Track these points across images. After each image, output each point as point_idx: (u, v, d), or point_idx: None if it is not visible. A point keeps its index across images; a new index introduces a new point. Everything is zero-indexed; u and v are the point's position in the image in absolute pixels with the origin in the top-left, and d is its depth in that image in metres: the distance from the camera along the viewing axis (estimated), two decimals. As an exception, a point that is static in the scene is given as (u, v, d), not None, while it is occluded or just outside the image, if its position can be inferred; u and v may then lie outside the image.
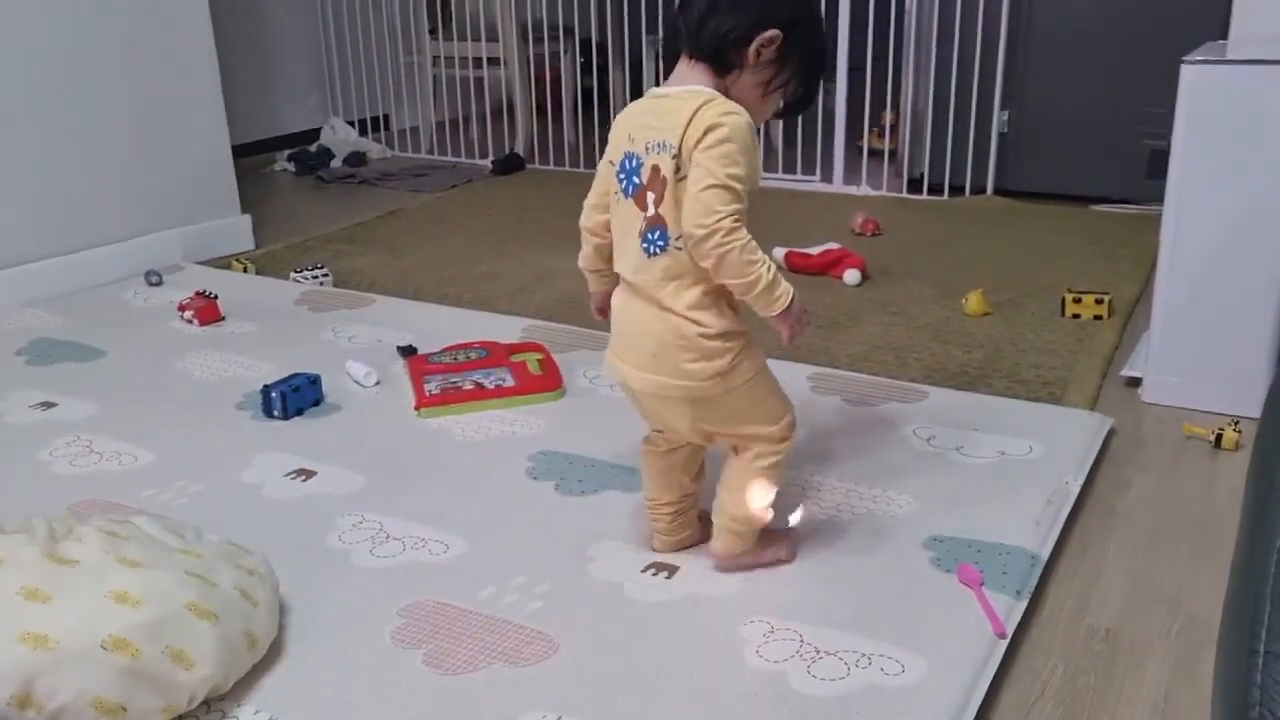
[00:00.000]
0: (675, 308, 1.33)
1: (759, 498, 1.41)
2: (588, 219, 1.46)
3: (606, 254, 1.44)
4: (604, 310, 1.48)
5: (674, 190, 1.30)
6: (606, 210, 1.41)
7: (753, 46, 1.33)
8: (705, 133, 1.27)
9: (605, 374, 1.66)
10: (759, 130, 1.36)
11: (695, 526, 1.52)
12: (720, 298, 1.34)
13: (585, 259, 1.50)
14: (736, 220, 1.27)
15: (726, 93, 1.33)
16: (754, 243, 1.28)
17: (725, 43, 1.33)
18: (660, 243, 1.32)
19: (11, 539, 1.23)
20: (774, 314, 1.33)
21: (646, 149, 1.32)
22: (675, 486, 1.49)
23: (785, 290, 1.32)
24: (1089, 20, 3.37)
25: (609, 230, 1.42)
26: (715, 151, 1.26)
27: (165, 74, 2.92)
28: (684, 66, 1.36)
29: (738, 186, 1.27)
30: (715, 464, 1.49)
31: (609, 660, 1.29)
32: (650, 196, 1.32)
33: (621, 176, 1.36)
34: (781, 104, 1.42)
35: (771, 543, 1.48)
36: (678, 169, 1.29)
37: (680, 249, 1.31)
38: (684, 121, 1.28)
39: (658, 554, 1.51)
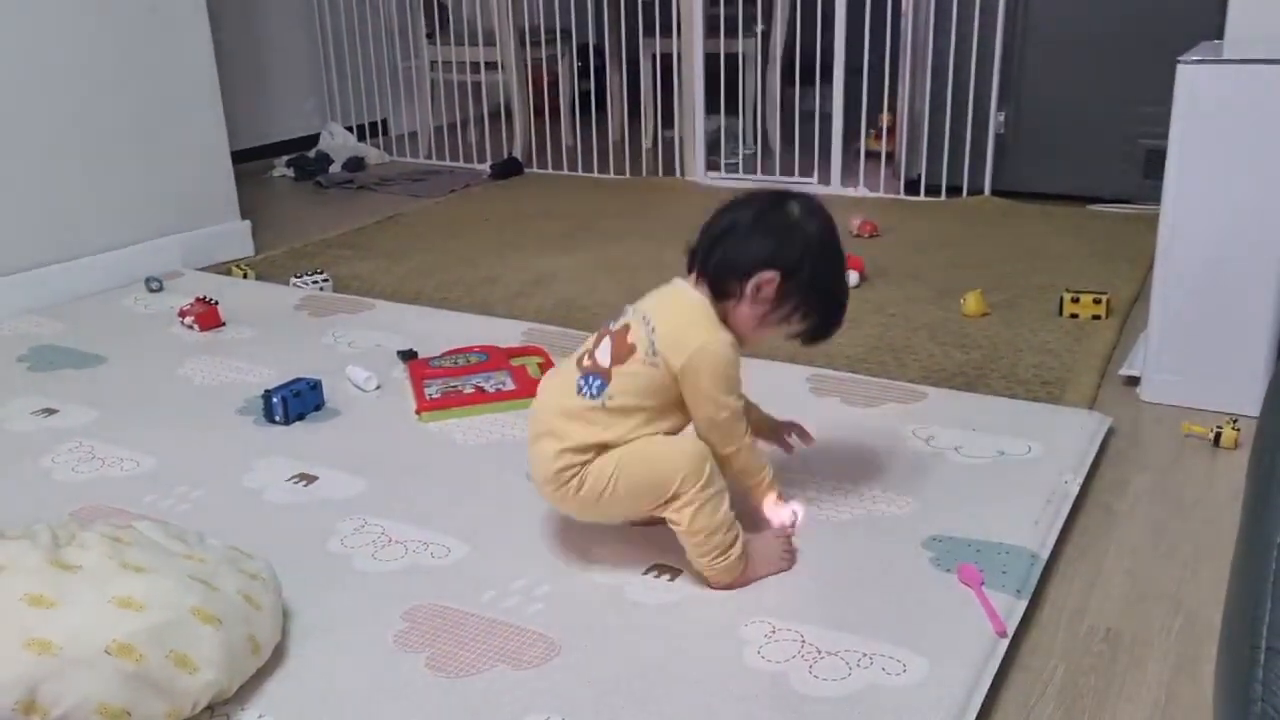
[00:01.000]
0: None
1: (708, 540, 1.41)
2: None
3: None
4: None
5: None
6: None
7: (750, 282, 1.40)
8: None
9: None
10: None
11: None
12: None
13: None
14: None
15: (726, 317, 1.42)
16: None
17: (725, 273, 1.41)
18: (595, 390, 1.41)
19: (14, 545, 1.24)
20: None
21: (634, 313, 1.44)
22: None
23: None
24: (1085, 21, 3.38)
25: None
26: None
27: (164, 80, 2.93)
28: (693, 279, 1.46)
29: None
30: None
31: (611, 662, 1.30)
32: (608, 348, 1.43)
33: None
34: (794, 331, 1.49)
35: (762, 556, 1.46)
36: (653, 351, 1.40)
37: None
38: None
39: (659, 556, 1.51)
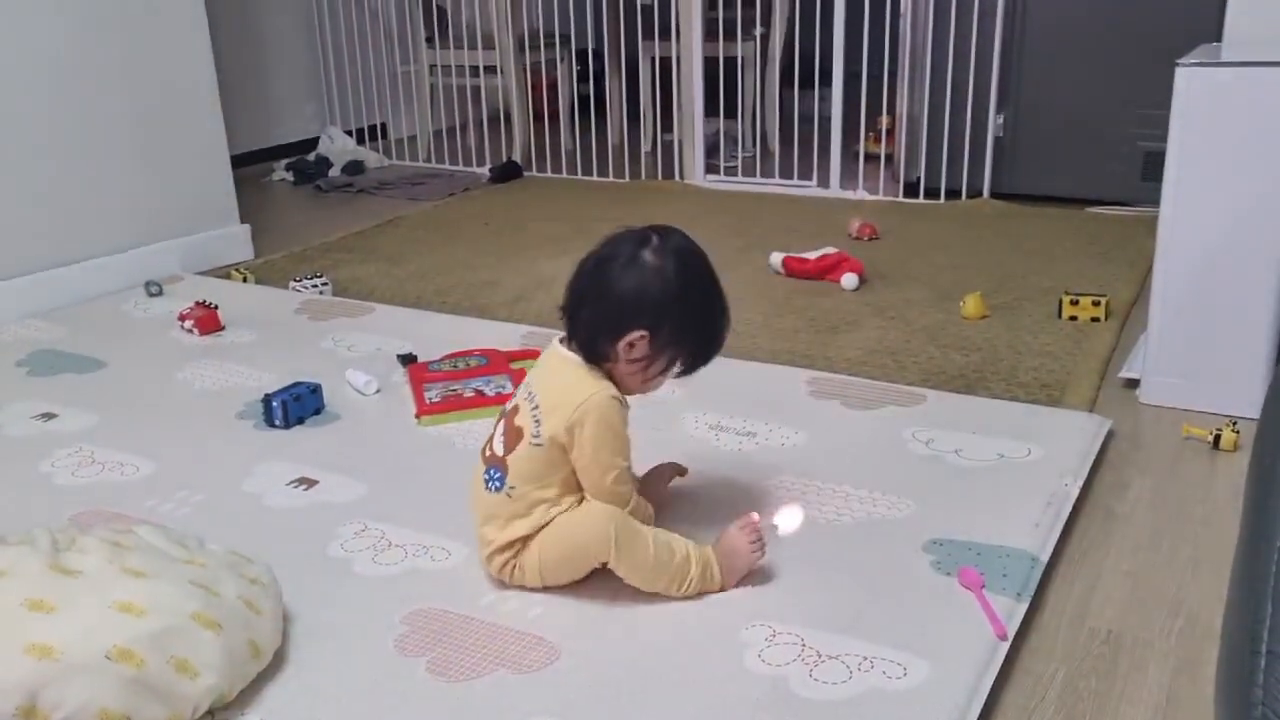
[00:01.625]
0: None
1: (656, 579, 1.40)
2: None
3: None
4: None
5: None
6: None
7: (621, 343, 1.38)
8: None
9: None
10: None
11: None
12: None
13: None
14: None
15: (610, 376, 1.40)
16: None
17: (594, 338, 1.39)
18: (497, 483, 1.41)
19: (15, 550, 1.24)
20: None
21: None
22: None
23: None
24: (1083, 23, 3.39)
25: None
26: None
27: (164, 84, 2.93)
28: (564, 343, 1.43)
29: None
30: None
31: (611, 666, 1.30)
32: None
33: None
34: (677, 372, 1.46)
35: (733, 554, 1.43)
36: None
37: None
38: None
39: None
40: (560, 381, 1.41)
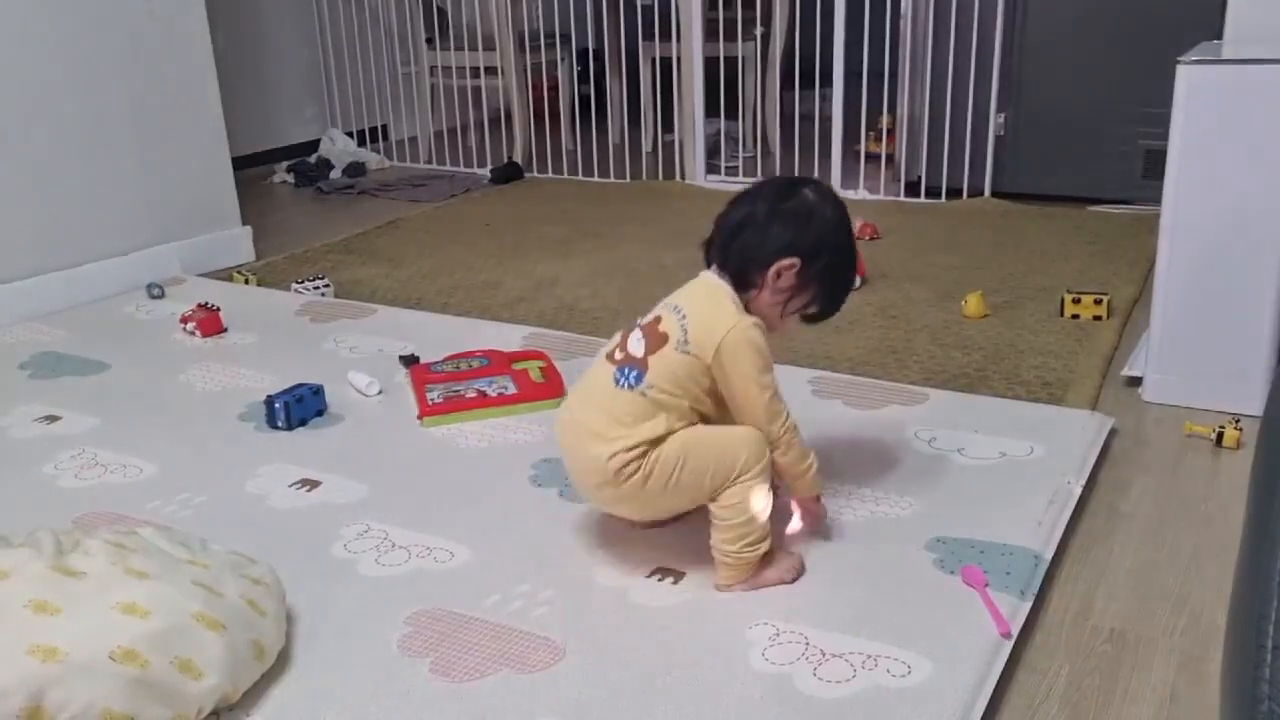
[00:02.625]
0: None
1: (749, 507, 1.41)
2: None
3: None
4: None
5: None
6: None
7: (771, 270, 1.43)
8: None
9: None
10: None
11: None
12: None
13: None
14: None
15: (748, 306, 1.45)
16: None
17: (746, 264, 1.44)
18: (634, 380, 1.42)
19: (18, 552, 1.24)
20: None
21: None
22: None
23: None
24: (1083, 21, 3.39)
25: None
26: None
27: (164, 86, 2.93)
28: (715, 271, 1.48)
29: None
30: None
31: (615, 665, 1.30)
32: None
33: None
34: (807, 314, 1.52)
35: (773, 564, 1.46)
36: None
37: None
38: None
39: (662, 559, 1.51)
40: (709, 304, 1.44)
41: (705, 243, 1.50)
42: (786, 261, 1.43)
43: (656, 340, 1.43)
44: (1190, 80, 1.86)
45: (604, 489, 1.43)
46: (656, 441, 1.39)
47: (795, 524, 1.57)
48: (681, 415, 1.42)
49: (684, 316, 1.43)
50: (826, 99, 3.78)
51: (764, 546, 1.43)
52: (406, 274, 2.98)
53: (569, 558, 1.53)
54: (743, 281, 1.46)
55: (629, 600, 1.43)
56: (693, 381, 1.42)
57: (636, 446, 1.39)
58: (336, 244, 3.33)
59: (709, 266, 1.50)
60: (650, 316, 1.47)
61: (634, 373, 1.41)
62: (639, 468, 1.39)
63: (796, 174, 3.82)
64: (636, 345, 1.44)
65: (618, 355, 1.45)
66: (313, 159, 4.42)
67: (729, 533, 1.41)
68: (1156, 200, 1.97)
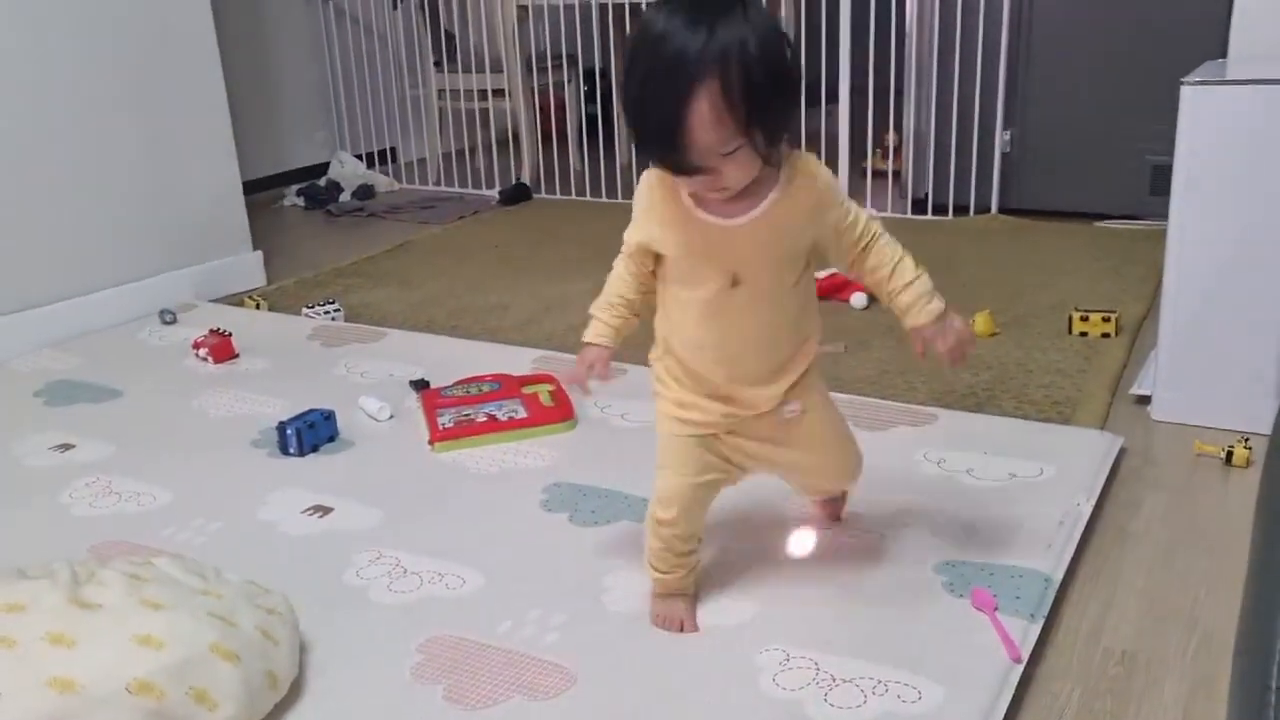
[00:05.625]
0: None
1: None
2: None
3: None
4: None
5: None
6: None
7: None
8: None
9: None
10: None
11: None
12: None
13: None
14: None
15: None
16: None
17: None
18: None
19: (35, 584, 1.25)
20: None
21: None
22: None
23: None
24: (1089, 38, 3.40)
25: None
26: None
27: (175, 113, 2.96)
28: None
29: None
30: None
31: (627, 691, 1.30)
32: None
33: None
34: None
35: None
36: None
37: None
38: None
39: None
40: None
41: None
42: None
43: None
44: (1194, 101, 1.86)
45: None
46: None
47: (806, 544, 1.57)
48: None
49: None
50: (832, 115, 3.80)
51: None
52: (416, 297, 3.00)
53: (580, 583, 1.54)
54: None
55: (640, 625, 1.43)
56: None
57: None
58: (346, 267, 3.35)
59: None
60: None
61: None
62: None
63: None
64: None
65: None
66: (322, 182, 4.45)
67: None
68: (1164, 215, 1.97)
